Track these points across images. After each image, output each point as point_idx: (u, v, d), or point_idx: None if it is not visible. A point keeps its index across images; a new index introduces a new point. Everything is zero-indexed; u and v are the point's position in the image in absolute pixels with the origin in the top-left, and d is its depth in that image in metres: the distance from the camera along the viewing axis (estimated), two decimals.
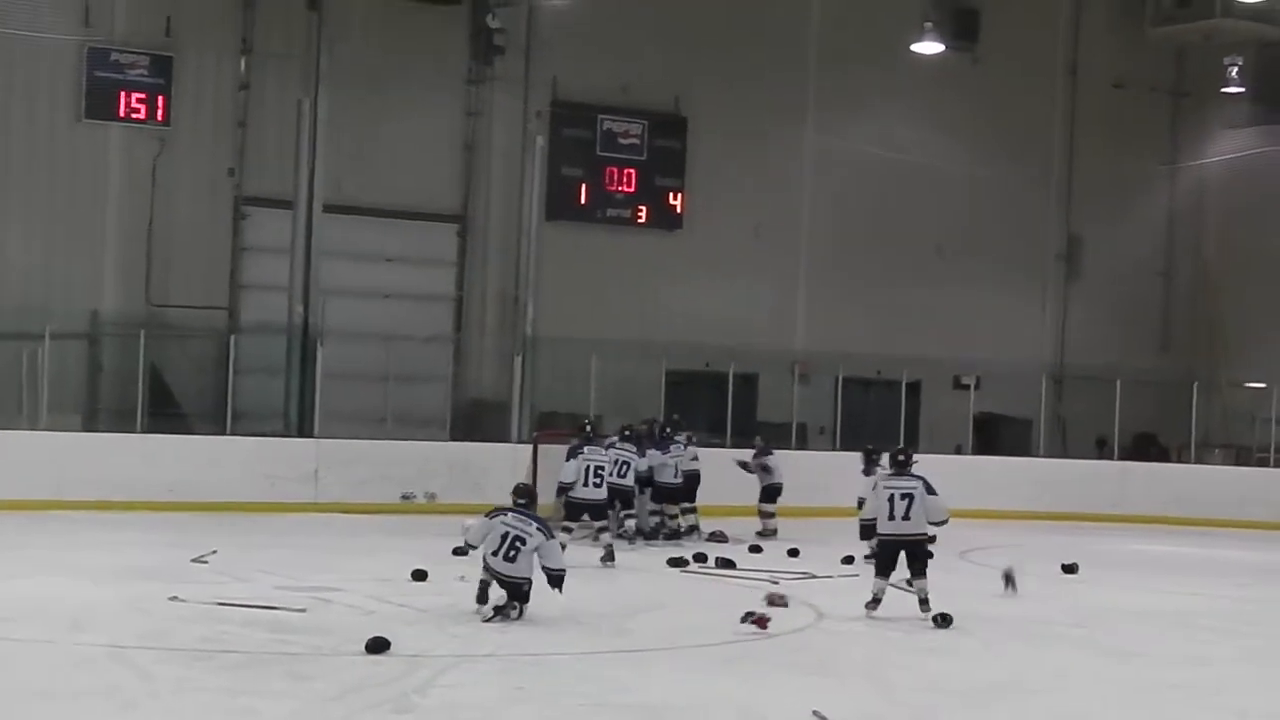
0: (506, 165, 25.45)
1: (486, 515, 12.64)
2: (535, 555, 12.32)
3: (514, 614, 12.21)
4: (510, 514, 12.48)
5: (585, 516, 17.17)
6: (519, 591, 12.30)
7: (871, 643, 12.28)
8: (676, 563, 16.52)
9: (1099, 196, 30.45)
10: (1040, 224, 30.45)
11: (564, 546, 14.13)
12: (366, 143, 24.77)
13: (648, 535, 19.13)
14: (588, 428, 19.16)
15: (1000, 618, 13.68)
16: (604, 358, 23.98)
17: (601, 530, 17.26)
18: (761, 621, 12.32)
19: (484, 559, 12.47)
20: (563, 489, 17.30)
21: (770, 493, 20.66)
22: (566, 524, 16.85)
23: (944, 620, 12.97)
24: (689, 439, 20.14)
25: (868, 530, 14.38)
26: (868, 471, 17.41)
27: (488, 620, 12.12)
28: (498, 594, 12.44)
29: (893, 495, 13.35)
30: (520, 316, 24.50)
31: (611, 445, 18.21)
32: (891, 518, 13.32)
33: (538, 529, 12.42)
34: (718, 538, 19.34)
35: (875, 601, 13.37)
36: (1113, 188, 30.41)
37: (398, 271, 25.20)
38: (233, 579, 14.07)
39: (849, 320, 27.91)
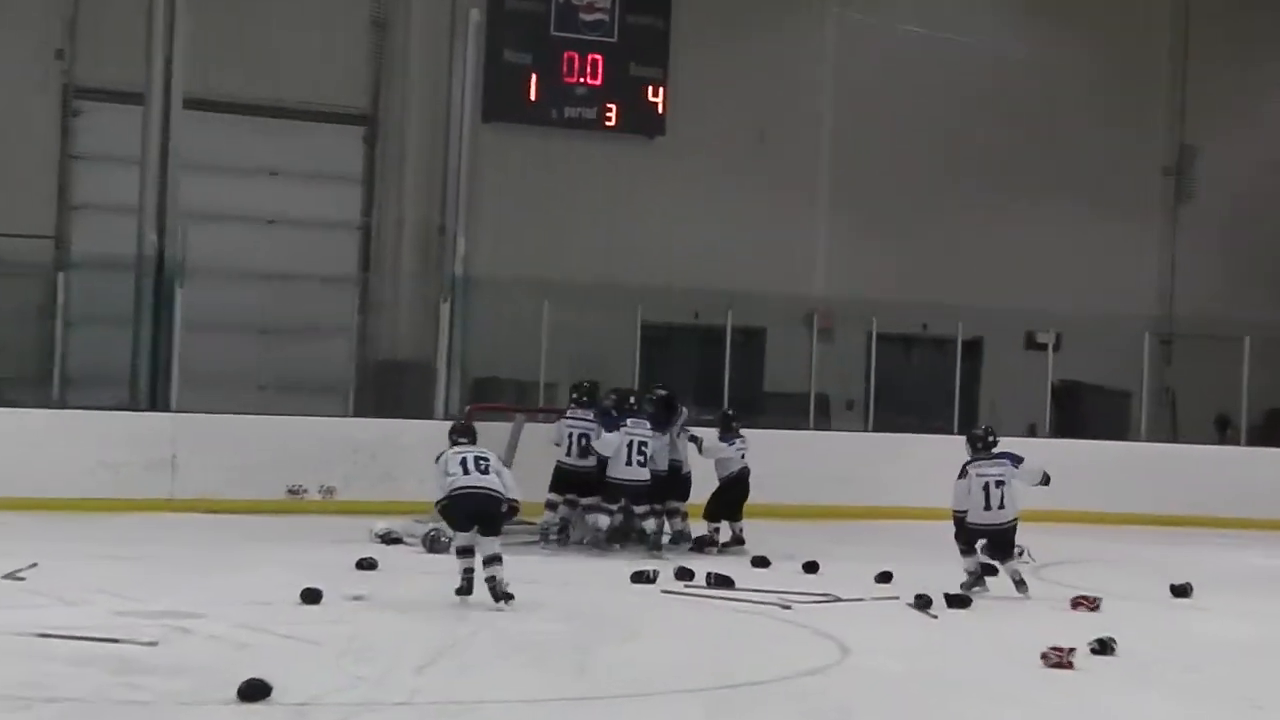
0: (429, 49, 25.66)
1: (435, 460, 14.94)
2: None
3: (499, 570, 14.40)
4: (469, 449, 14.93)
5: (623, 501, 18.78)
6: (496, 511, 14.57)
7: (910, 686, 12.22)
8: (642, 578, 16.55)
9: (1220, 98, 30.62)
10: (1142, 130, 30.71)
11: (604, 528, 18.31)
12: (243, 17, 24.93)
13: (619, 538, 19.23)
14: (631, 399, 19.50)
15: (1085, 653, 13.69)
16: (559, 306, 24.19)
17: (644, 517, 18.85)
18: (1062, 657, 12.55)
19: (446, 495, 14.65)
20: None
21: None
22: (606, 505, 18.72)
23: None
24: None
25: (964, 528, 16.25)
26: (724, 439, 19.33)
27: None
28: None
29: (987, 484, 15.87)
30: (448, 251, 24.70)
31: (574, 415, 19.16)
32: (988, 508, 15.88)
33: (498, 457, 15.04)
34: (707, 546, 19.52)
35: (977, 579, 15.79)
36: (1238, 87, 30.60)
37: (284, 190, 25.57)
38: (59, 602, 13.97)
39: (884, 257, 28.22)
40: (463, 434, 15.30)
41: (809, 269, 28.65)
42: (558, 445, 19.10)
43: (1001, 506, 16.00)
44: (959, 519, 16.41)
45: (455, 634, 12.93)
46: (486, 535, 14.56)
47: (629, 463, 18.75)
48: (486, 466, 14.75)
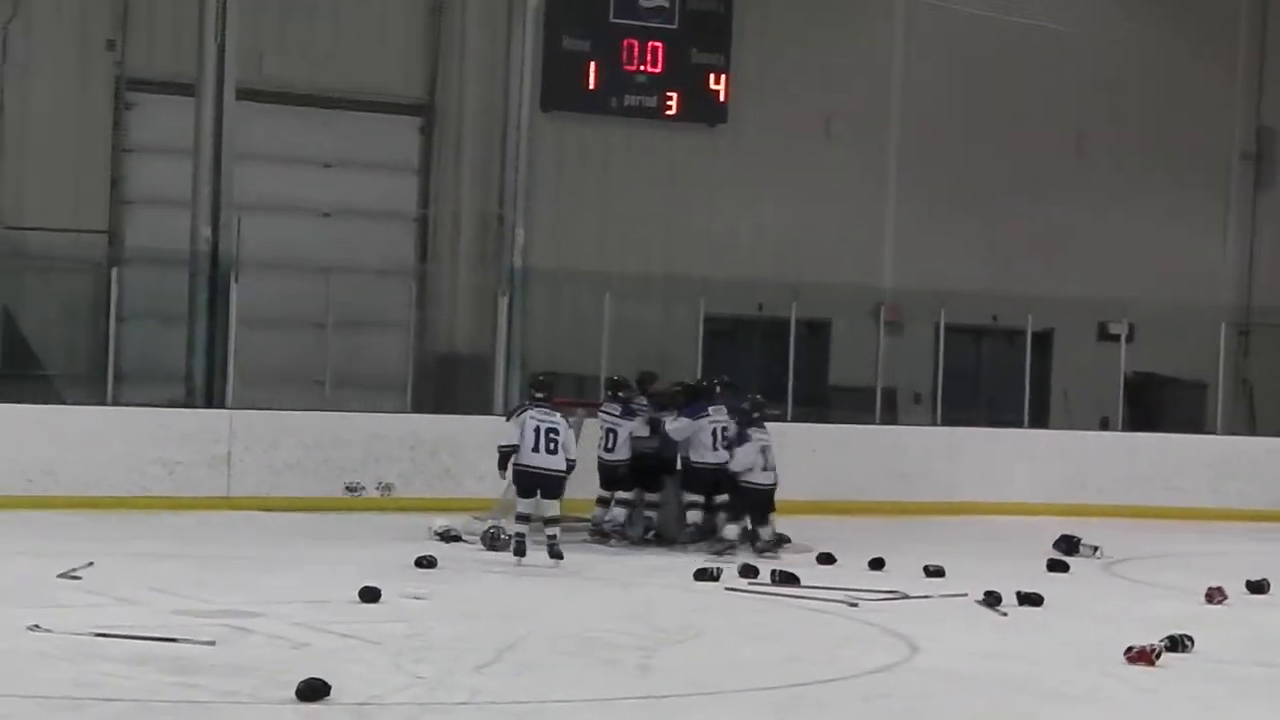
0: (487, 36, 25.60)
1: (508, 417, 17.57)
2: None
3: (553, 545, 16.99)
4: (534, 409, 17.33)
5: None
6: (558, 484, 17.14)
7: (981, 685, 12.19)
8: (705, 575, 16.61)
9: None
10: (1219, 113, 30.47)
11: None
12: (296, 5, 24.97)
13: (671, 537, 19.33)
14: (716, 384, 19.91)
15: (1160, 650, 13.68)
16: (620, 298, 24.24)
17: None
18: (1145, 657, 12.55)
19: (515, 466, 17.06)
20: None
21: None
22: (692, 498, 19.05)
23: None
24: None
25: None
26: (743, 425, 18.97)
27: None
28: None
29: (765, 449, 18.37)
30: (506, 242, 24.68)
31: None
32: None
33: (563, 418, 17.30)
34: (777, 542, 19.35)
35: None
36: None
37: (339, 181, 25.54)
38: (115, 601, 14.05)
39: (954, 247, 28.11)
40: (541, 389, 17.62)
41: (876, 259, 28.50)
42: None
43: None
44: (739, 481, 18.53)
45: (515, 633, 12.96)
46: (547, 499, 17.22)
47: (715, 448, 18.87)
48: (555, 445, 16.99)
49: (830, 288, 26.35)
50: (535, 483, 17.38)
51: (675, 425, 19.15)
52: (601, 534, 19.30)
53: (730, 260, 26.59)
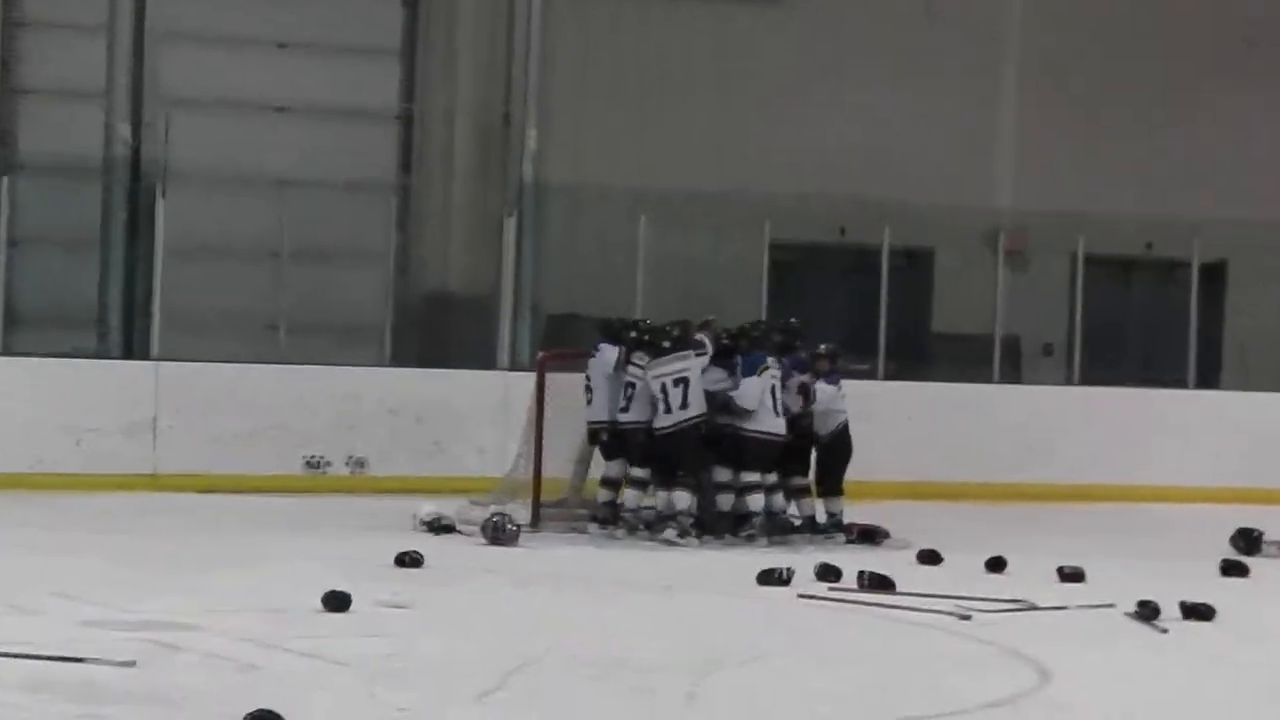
0: None
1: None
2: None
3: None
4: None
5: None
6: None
7: None
8: (771, 578, 16.62)
9: None
10: None
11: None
12: None
13: (708, 526, 19.53)
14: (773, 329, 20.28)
15: None
16: (659, 222, 24.45)
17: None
18: None
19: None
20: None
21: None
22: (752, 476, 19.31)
23: None
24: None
25: None
26: (832, 378, 19.76)
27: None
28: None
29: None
30: (514, 149, 24.97)
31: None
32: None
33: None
34: (864, 536, 19.75)
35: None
36: None
37: (298, 67, 25.46)
38: (7, 609, 14.01)
39: (1092, 158, 28.03)
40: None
41: (992, 174, 28.39)
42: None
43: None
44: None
45: (525, 652, 12.88)
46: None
47: (777, 413, 19.24)
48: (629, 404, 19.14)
49: (933, 209, 26.27)
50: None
51: (746, 389, 19.26)
52: (635, 526, 19.49)
53: (801, 174, 26.46)
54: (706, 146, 26.58)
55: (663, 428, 19.39)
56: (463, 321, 25.19)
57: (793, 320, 20.78)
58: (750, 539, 19.23)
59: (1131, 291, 27.90)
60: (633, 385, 19.49)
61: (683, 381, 19.32)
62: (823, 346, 20.05)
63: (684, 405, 19.29)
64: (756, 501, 19.36)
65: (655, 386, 19.32)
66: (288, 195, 24.17)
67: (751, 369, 19.33)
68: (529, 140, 24.71)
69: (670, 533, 19.23)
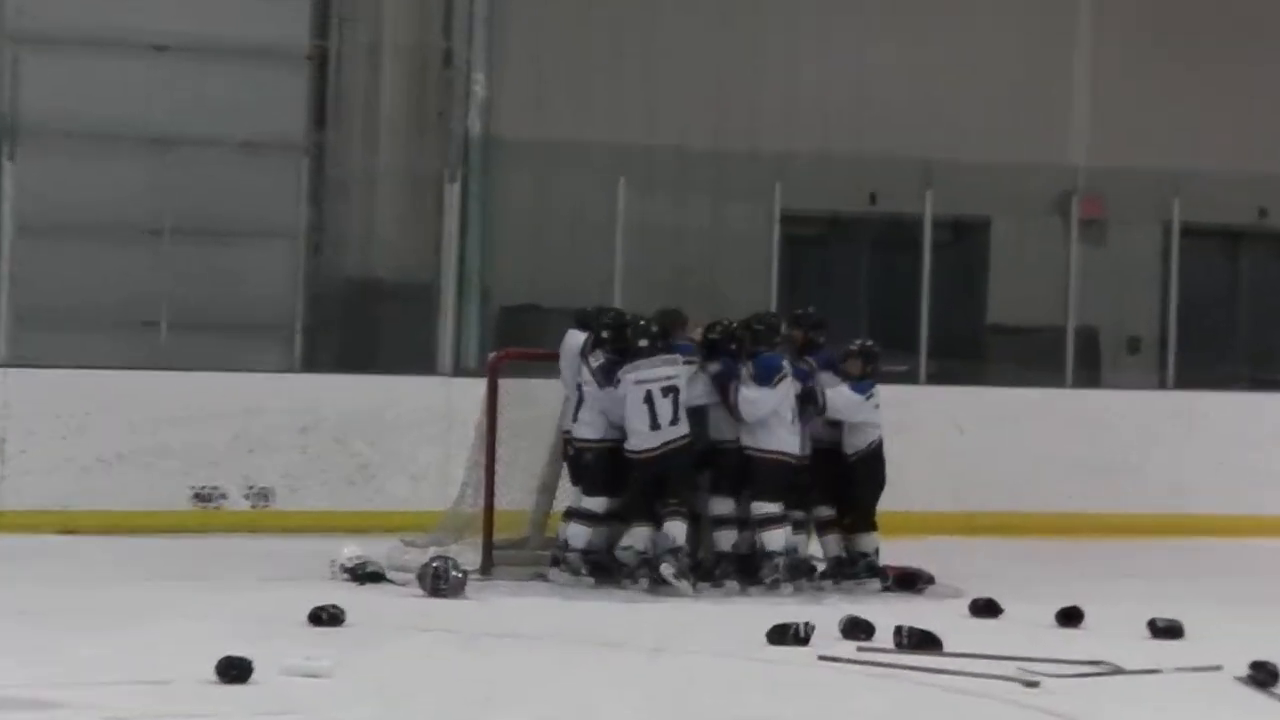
0: None
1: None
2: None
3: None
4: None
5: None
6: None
7: None
8: (784, 635, 16.58)
9: None
10: None
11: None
12: None
13: (705, 570, 19.69)
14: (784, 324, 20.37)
15: None
16: (641, 185, 24.63)
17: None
18: None
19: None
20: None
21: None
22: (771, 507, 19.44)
23: None
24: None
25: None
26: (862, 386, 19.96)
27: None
28: None
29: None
30: (458, 97, 25.43)
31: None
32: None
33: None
34: (902, 581, 19.99)
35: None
36: None
37: None
38: None
39: (1185, 110, 27.83)
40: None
41: (1062, 127, 28.08)
42: None
43: None
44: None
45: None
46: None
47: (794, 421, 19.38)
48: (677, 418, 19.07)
49: (988, 169, 26.42)
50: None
51: (752, 395, 19.36)
52: (603, 568, 19.54)
53: (821, 128, 26.49)
54: (702, 94, 26.50)
55: (648, 449, 19.30)
56: (394, 315, 25.07)
57: (810, 309, 20.79)
58: (775, 585, 19.21)
59: (1239, 270, 27.88)
60: (580, 388, 19.61)
61: (672, 391, 19.35)
62: (855, 343, 20.04)
63: (674, 421, 19.32)
64: (776, 539, 19.32)
65: (637, 395, 19.25)
66: (170, 157, 23.99)
67: (768, 376, 19.31)
68: (476, 86, 24.91)
69: (667, 569, 19.00)
